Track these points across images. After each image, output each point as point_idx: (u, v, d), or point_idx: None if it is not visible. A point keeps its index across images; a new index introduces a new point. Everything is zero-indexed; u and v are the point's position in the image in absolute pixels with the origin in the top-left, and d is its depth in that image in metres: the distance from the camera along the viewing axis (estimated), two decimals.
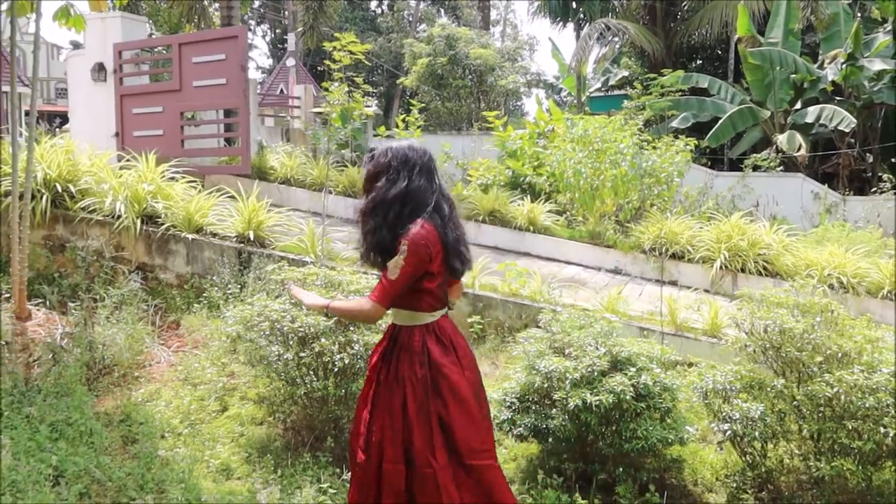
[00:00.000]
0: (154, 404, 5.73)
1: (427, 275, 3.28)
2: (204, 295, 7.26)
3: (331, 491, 4.48)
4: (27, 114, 7.56)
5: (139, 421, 5.41)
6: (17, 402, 5.25)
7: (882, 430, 4.20)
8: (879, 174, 16.26)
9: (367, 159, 3.43)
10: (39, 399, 5.32)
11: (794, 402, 4.60)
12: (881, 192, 14.67)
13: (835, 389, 4.32)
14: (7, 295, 6.38)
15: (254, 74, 46.76)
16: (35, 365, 5.91)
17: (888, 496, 4.51)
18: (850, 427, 4.30)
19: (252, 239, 7.80)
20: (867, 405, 4.22)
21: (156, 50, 13.34)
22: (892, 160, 18.11)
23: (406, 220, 3.25)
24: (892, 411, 4.24)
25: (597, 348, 4.82)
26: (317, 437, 5.17)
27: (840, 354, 4.58)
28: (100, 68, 12.01)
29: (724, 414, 4.66)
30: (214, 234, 7.92)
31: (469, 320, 7.04)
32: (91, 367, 6.04)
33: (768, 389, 4.69)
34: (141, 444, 5.09)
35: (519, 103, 36.67)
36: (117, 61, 11.90)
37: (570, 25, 27.44)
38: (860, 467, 4.36)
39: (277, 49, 46.92)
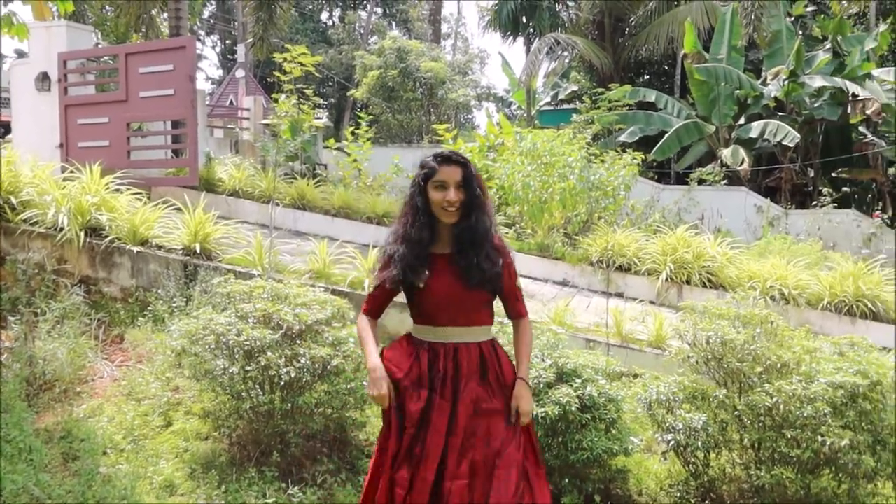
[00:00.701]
0: (96, 420, 5.62)
1: None
2: (149, 308, 7.15)
3: None
4: None
5: (80, 437, 5.30)
6: None
7: (819, 438, 4.30)
8: (820, 188, 16.69)
9: (475, 173, 3.20)
10: None
11: (736, 413, 4.69)
12: (821, 206, 15.06)
13: (774, 399, 4.42)
14: None
15: (203, 85, 46.38)
16: None
17: (826, 502, 4.62)
18: (788, 436, 4.40)
19: (198, 251, 7.70)
20: (805, 414, 4.32)
21: (102, 60, 13.13)
22: (833, 174, 18.59)
23: None
24: (829, 420, 4.34)
25: (543, 360, 4.87)
26: (262, 452, 5.11)
27: (779, 365, 4.68)
28: (44, 77, 11.80)
29: (667, 424, 4.73)
30: (160, 247, 7.81)
31: None
32: (31, 383, 5.91)
33: (710, 400, 4.78)
34: (82, 460, 4.99)
35: (470, 116, 36.89)
36: (62, 71, 11.70)
37: (521, 40, 27.76)
38: (799, 475, 4.45)
39: (228, 60, 46.48)
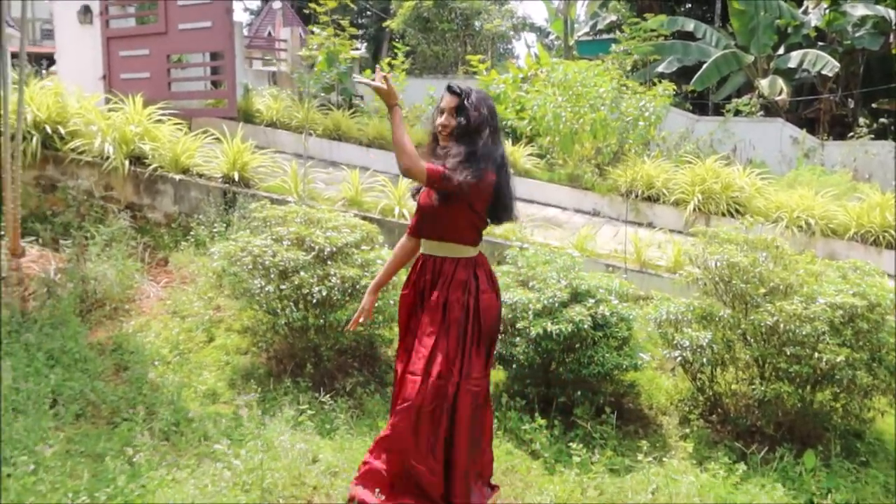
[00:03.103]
0: (144, 335, 6.04)
1: (473, 212, 3.61)
2: (191, 233, 7.53)
3: (309, 412, 4.81)
4: (15, 56, 7.71)
5: (130, 350, 5.73)
6: (15, 332, 5.56)
7: (816, 355, 4.55)
8: (860, 119, 16.50)
9: (470, 104, 3.55)
10: (36, 329, 5.63)
11: (741, 331, 4.95)
12: (858, 137, 14.92)
13: (774, 318, 4.66)
14: (1, 233, 6.63)
15: (242, 16, 46.29)
16: (30, 298, 6.20)
17: (823, 415, 4.90)
18: (788, 353, 4.66)
19: (237, 179, 8.04)
20: (804, 332, 4.57)
21: None
22: (873, 105, 18.34)
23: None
24: (828, 338, 4.59)
25: (559, 281, 5.15)
26: (297, 365, 5.50)
27: (783, 286, 4.91)
28: (86, 10, 12.06)
29: (675, 342, 5.01)
30: (201, 175, 8.15)
31: None
32: (83, 301, 6.33)
33: (717, 320, 5.03)
34: (132, 370, 5.42)
35: (510, 47, 36.46)
36: (103, 3, 11.96)
37: None
38: (798, 390, 4.73)
39: None
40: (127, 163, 7.97)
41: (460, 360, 3.61)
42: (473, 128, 3.54)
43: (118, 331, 6.07)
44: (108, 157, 7.91)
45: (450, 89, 3.63)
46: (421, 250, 3.81)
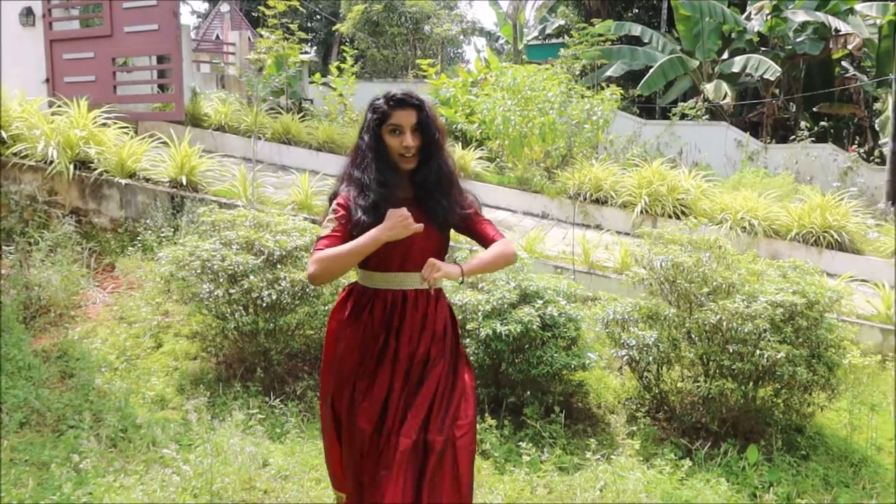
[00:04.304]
0: (90, 341, 5.96)
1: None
2: (138, 238, 7.44)
3: (259, 416, 4.80)
4: None
5: (76, 357, 5.65)
6: None
7: (758, 352, 4.67)
8: (801, 122, 16.90)
9: (430, 115, 2.91)
10: None
11: (686, 330, 5.05)
12: (800, 141, 15.29)
13: (718, 317, 4.77)
14: None
15: (189, 19, 45.72)
16: None
17: (766, 411, 5.02)
18: (731, 350, 4.77)
19: (185, 184, 7.97)
20: (746, 330, 4.69)
21: None
22: (814, 109, 18.79)
23: None
24: (769, 336, 4.71)
25: (508, 283, 5.20)
26: (247, 369, 5.48)
27: (725, 286, 5.03)
28: (28, 12, 11.84)
29: (622, 341, 5.10)
30: (147, 179, 8.06)
31: None
32: (27, 307, 6.23)
33: (663, 319, 5.13)
34: (78, 377, 5.34)
35: (459, 51, 36.57)
36: (46, 5, 11.75)
37: None
38: (741, 386, 4.84)
39: None
40: (71, 167, 7.85)
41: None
42: (440, 143, 2.95)
43: (63, 337, 5.98)
44: (51, 162, 7.79)
45: (405, 102, 2.87)
46: (369, 283, 3.00)
